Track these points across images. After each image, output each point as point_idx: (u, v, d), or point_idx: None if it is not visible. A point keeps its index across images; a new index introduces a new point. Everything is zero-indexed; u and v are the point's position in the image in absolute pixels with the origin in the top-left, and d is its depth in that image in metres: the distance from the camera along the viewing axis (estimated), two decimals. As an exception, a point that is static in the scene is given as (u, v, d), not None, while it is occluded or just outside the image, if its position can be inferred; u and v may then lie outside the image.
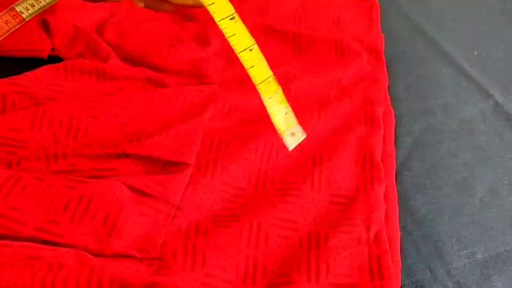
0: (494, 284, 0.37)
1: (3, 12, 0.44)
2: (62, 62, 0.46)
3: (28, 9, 0.44)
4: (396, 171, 0.43)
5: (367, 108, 0.46)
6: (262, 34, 0.53)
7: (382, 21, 0.59)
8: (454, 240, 0.39)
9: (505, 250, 0.39)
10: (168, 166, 0.38)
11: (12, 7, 0.44)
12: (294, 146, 0.34)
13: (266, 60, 0.49)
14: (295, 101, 0.46)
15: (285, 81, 0.48)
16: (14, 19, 0.44)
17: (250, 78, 0.46)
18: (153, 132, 0.40)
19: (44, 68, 0.44)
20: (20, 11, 0.44)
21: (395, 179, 0.42)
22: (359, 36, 0.53)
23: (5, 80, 0.43)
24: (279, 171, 0.40)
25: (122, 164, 0.37)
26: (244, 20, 0.54)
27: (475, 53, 0.57)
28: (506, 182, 0.44)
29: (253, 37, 0.53)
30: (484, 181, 0.44)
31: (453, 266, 0.38)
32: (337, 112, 0.45)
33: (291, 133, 0.35)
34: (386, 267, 0.34)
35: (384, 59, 0.52)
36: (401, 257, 0.38)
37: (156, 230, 0.34)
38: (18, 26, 0.44)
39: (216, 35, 0.51)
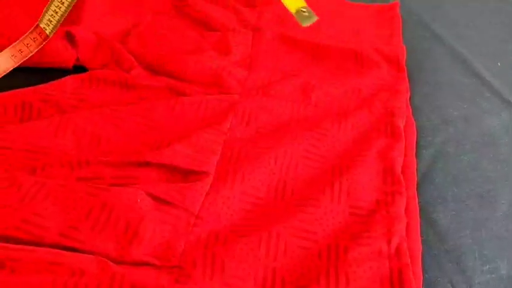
0: (518, 300, 0.36)
1: (31, 29, 0.45)
2: (87, 72, 0.47)
3: (49, 24, 0.45)
4: (417, 183, 0.43)
5: (387, 120, 0.45)
6: (281, 44, 0.53)
7: (403, 29, 0.59)
8: (476, 254, 0.39)
9: (529, 266, 0.38)
10: (188, 175, 0.39)
11: (37, 24, 0.46)
12: (308, 24, 0.36)
13: (285, 68, 0.49)
14: (315, 110, 0.46)
15: (304, 90, 0.48)
16: (40, 36, 0.45)
17: (271, 88, 0.46)
18: (174, 140, 0.41)
19: (68, 77, 0.45)
20: (44, 28, 0.45)
21: (417, 191, 0.42)
22: (379, 47, 0.53)
23: (31, 88, 0.44)
24: (298, 182, 0.40)
25: (143, 172, 0.38)
26: (264, 30, 0.54)
27: (499, 64, 0.56)
28: (530, 195, 0.43)
29: (274, 47, 0.53)
30: (507, 194, 0.43)
31: (476, 281, 0.37)
32: (357, 122, 0.45)
33: (302, 11, 0.39)
34: (408, 281, 0.33)
35: (405, 70, 0.52)
36: (422, 271, 0.37)
37: (176, 238, 0.34)
38: (44, 43, 0.46)
39: (237, 44, 0.52)
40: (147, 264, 0.33)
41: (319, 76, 0.50)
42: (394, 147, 0.42)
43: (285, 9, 0.57)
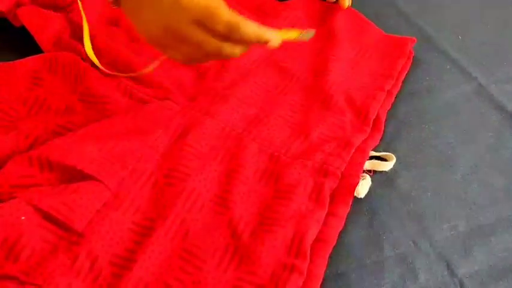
0: (475, 254, 0.38)
1: None
2: (48, 53, 0.46)
3: None
4: (383, 150, 0.45)
5: (317, 181, 0.40)
6: (259, 67, 0.50)
7: (369, 6, 0.60)
8: (437, 214, 0.41)
9: (486, 223, 0.40)
10: (86, 180, 0.37)
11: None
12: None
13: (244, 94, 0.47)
14: (248, 147, 0.42)
15: (249, 123, 0.45)
16: None
17: (216, 108, 0.44)
18: (89, 143, 0.39)
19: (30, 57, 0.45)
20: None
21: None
22: (354, 95, 0.48)
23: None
24: (196, 228, 0.37)
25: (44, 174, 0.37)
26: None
27: (460, 37, 0.58)
28: (487, 158, 0.45)
29: (248, 69, 0.49)
30: (466, 159, 0.45)
31: (436, 239, 0.39)
32: (284, 174, 0.40)
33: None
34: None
35: (370, 124, 0.46)
36: (386, 231, 0.39)
37: (52, 258, 0.33)
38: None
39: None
40: (12, 278, 0.32)
41: (274, 108, 0.46)
42: (315, 213, 0.38)
43: (292, 21, 0.55)
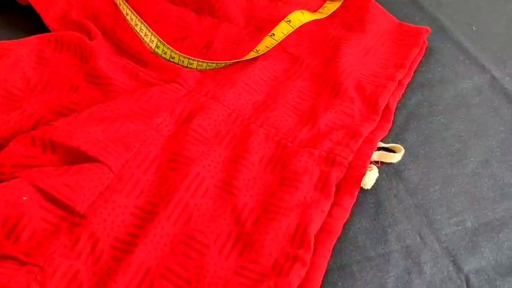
0: (482, 250, 0.37)
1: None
2: (53, 33, 0.46)
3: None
4: (391, 142, 0.44)
5: (324, 170, 0.39)
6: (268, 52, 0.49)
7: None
8: (444, 208, 0.40)
9: (495, 219, 0.39)
10: (90, 162, 0.36)
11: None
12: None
13: (253, 80, 0.46)
14: (254, 134, 0.41)
15: (256, 109, 0.43)
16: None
17: (222, 93, 0.43)
18: (93, 124, 0.38)
19: (34, 36, 0.44)
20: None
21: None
22: (364, 83, 0.46)
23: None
24: (199, 213, 0.36)
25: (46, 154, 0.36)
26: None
27: (474, 28, 0.57)
28: (498, 153, 0.44)
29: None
30: (476, 152, 0.44)
31: (442, 233, 0.38)
32: (291, 162, 0.40)
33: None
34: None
35: (379, 113, 0.44)
36: (392, 224, 0.39)
37: (55, 238, 0.33)
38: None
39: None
40: (12, 258, 0.31)
41: (282, 94, 0.45)
42: (320, 203, 0.37)
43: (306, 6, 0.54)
